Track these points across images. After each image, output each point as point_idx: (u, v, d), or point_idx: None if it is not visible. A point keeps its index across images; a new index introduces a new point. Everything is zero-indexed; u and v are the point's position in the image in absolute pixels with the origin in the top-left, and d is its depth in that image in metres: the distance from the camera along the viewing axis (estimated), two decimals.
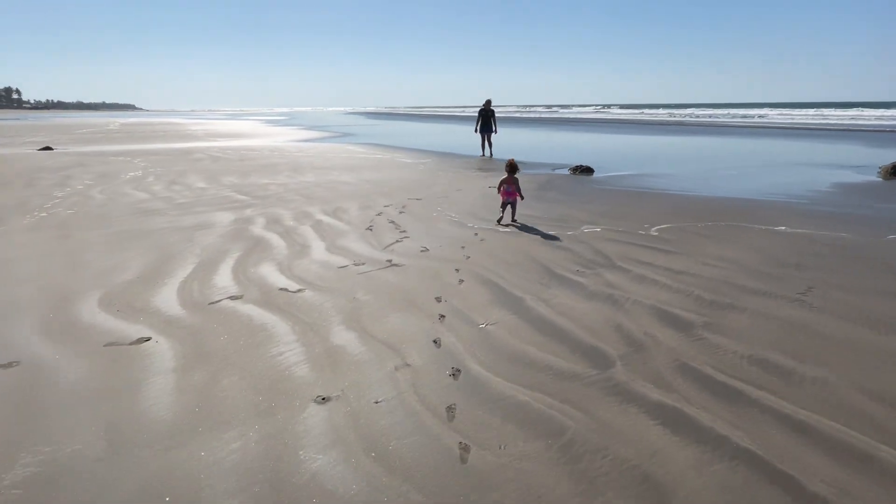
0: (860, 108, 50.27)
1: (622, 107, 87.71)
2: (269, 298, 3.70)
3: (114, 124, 40.45)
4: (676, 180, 9.72)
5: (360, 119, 54.08)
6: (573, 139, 22.39)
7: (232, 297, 3.71)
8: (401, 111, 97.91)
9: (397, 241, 5.29)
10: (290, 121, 49.23)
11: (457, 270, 4.35)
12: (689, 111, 56.10)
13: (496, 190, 6.32)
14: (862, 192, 8.68)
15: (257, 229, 5.79)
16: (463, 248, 5.05)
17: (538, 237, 5.49)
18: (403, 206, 7.15)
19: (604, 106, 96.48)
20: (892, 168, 10.99)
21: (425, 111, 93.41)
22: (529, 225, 6.12)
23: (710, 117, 41.73)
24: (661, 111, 60.94)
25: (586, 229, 5.84)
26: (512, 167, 6.09)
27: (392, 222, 6.17)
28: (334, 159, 13.57)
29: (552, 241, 5.28)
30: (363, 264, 4.51)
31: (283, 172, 10.80)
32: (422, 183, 9.37)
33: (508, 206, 6.14)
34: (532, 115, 51.14)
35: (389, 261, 4.61)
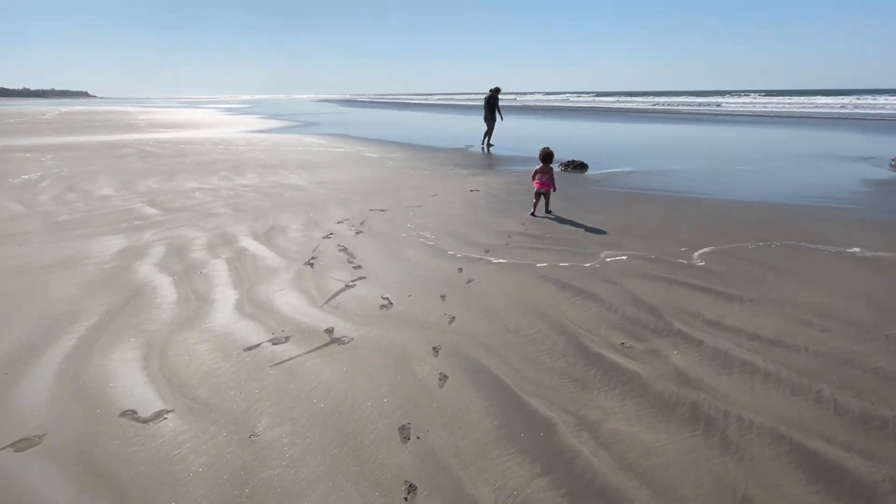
0: (847, 96, 50.61)
1: (600, 94, 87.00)
2: (84, 450, 2.01)
3: (52, 113, 36.64)
4: (686, 179, 8.35)
5: (331, 107, 51.08)
6: (558, 129, 20.93)
7: (15, 447, 1.99)
8: (378, 99, 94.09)
9: (347, 287, 3.63)
10: (251, 109, 46.01)
11: (434, 351, 2.74)
12: (670, 100, 55.52)
13: (531, 178, 5.94)
14: None
15: (146, 268, 4.01)
16: (443, 298, 3.44)
17: (549, 274, 3.92)
18: (362, 222, 5.47)
19: (578, 94, 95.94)
20: None
21: (404, 99, 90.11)
22: (536, 247, 4.56)
23: (699, 105, 41.07)
24: (640, 99, 60.30)
25: (608, 257, 4.31)
26: (546, 156, 5.78)
27: (344, 250, 4.49)
28: (287, 154, 11.66)
29: (570, 282, 3.73)
30: (286, 341, 2.84)
31: (220, 173, 8.88)
32: (389, 185, 7.67)
33: (542, 197, 5.84)
34: (515, 104, 49.47)
35: (330, 331, 2.95)
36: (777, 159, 10.73)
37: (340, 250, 4.50)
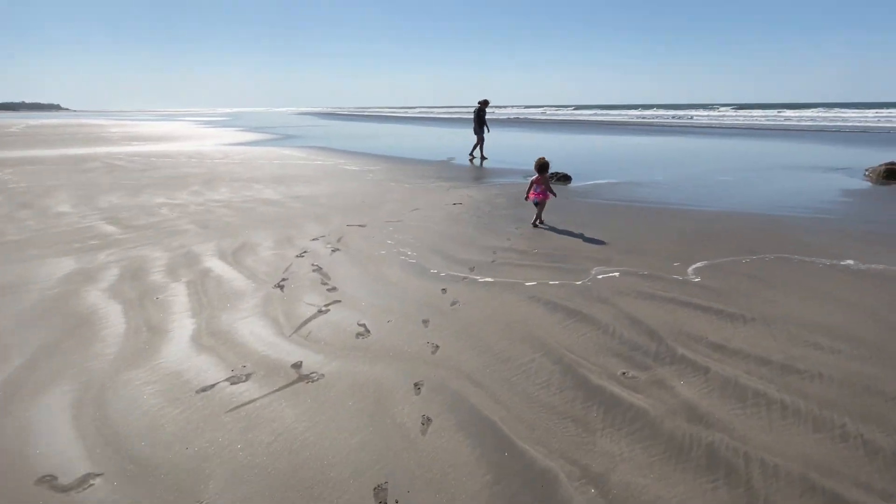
0: (811, 109, 52.32)
1: (578, 107, 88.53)
2: None
3: (18, 126, 35.32)
4: (669, 190, 8.26)
5: (312, 120, 50.63)
6: (539, 140, 20.97)
7: None
8: (360, 112, 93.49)
9: (320, 313, 3.30)
10: (231, 122, 45.23)
11: (416, 388, 2.43)
12: (645, 112, 56.63)
13: (527, 189, 5.93)
14: (880, 199, 7.54)
15: (94, 294, 3.61)
16: (426, 323, 3.14)
17: (539, 293, 3.66)
18: (339, 239, 5.14)
19: (556, 107, 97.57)
20: (884, 171, 10.15)
21: (386, 112, 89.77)
22: (523, 264, 4.31)
23: (672, 118, 41.94)
24: (615, 112, 61.47)
25: (599, 274, 4.08)
26: (542, 166, 5.77)
27: (318, 270, 4.16)
28: (264, 167, 11.26)
29: (562, 303, 3.47)
30: (247, 379, 2.49)
31: (191, 187, 8.45)
32: (368, 199, 7.37)
33: (539, 206, 5.82)
34: (492, 117, 49.91)
35: (298, 366, 2.62)
36: (754, 170, 10.81)
37: (314, 270, 4.16)
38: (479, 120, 12.84)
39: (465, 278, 3.98)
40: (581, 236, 5.30)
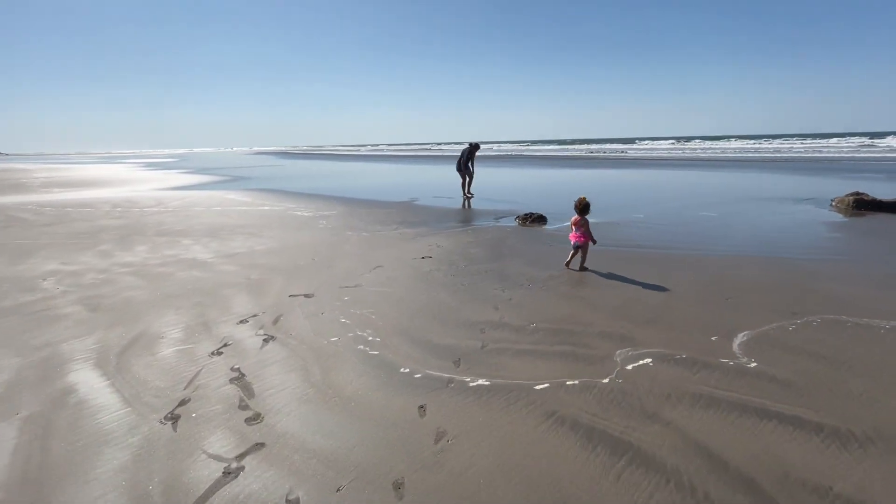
0: (756, 140, 55.51)
1: (530, 143, 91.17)
2: None
3: None
4: (656, 231, 7.55)
5: (266, 159, 48.72)
6: (495, 177, 20.49)
7: None
8: (317, 151, 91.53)
9: (227, 477, 2.05)
10: (177, 164, 42.74)
11: None
12: (579, 147, 58.51)
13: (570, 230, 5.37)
14: (871, 234, 7.10)
15: None
16: (399, 489, 1.96)
17: (558, 406, 2.56)
18: (277, 320, 3.89)
19: (499, 143, 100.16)
20: (853, 202, 10.03)
21: (344, 150, 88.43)
22: (523, 349, 3.22)
23: (622, 152, 43.33)
24: (562, 147, 63.40)
25: (627, 362, 3.06)
26: (584, 207, 5.28)
27: (238, 380, 2.90)
28: (200, 216, 9.82)
29: (597, 425, 2.39)
30: None
31: (100, 246, 6.93)
32: (320, 255, 6.16)
33: (578, 251, 5.33)
34: (451, 154, 49.93)
35: None
36: (727, 203, 10.44)
37: (233, 380, 2.90)
38: (468, 160, 12.16)
39: (449, 382, 2.84)
40: (581, 298, 4.32)
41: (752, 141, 55.36)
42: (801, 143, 45.76)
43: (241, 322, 3.86)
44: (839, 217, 8.84)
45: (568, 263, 5.40)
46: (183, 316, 4.02)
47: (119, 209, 11.17)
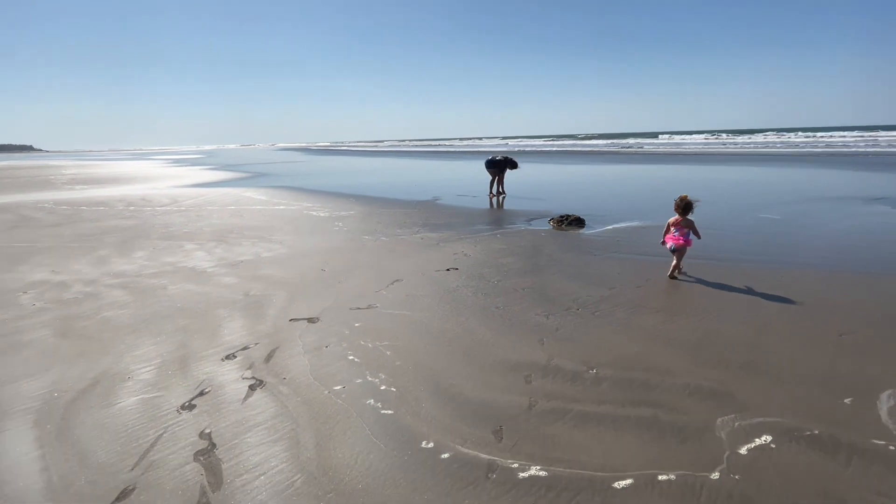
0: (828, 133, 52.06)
1: (556, 137, 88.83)
2: None
3: None
4: (716, 238, 6.49)
5: (293, 155, 48.68)
6: (529, 175, 19.48)
7: None
8: (349, 146, 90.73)
9: None
10: (203, 160, 43.06)
11: None
12: (590, 142, 56.33)
13: (663, 234, 4.87)
14: None
15: None
16: None
17: None
18: (271, 355, 3.16)
19: (525, 138, 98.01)
20: None
21: (371, 147, 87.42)
22: (585, 409, 2.39)
23: (620, 147, 41.41)
24: (590, 143, 61.36)
25: (740, 442, 2.19)
26: (685, 206, 4.70)
27: (208, 449, 2.17)
28: (211, 216, 9.27)
29: None
30: None
31: (98, 251, 6.39)
32: (331, 265, 5.43)
33: (674, 254, 4.77)
34: (477, 149, 48.84)
35: None
36: (788, 203, 9.26)
37: (199, 455, 2.17)
38: (502, 168, 11.43)
39: (490, 469, 2.04)
40: (646, 331, 3.44)
41: (789, 134, 52.29)
42: (843, 136, 42.89)
43: (228, 357, 3.14)
44: None
45: (672, 273, 4.74)
46: (161, 346, 3.33)
47: (132, 208, 10.75)
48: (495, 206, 10.27)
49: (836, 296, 4.08)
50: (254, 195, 12.99)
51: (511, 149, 43.56)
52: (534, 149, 43.71)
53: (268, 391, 2.71)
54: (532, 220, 8.27)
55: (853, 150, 26.87)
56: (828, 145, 32.03)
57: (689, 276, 4.76)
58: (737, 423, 2.32)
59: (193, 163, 36.50)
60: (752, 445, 2.16)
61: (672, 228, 4.72)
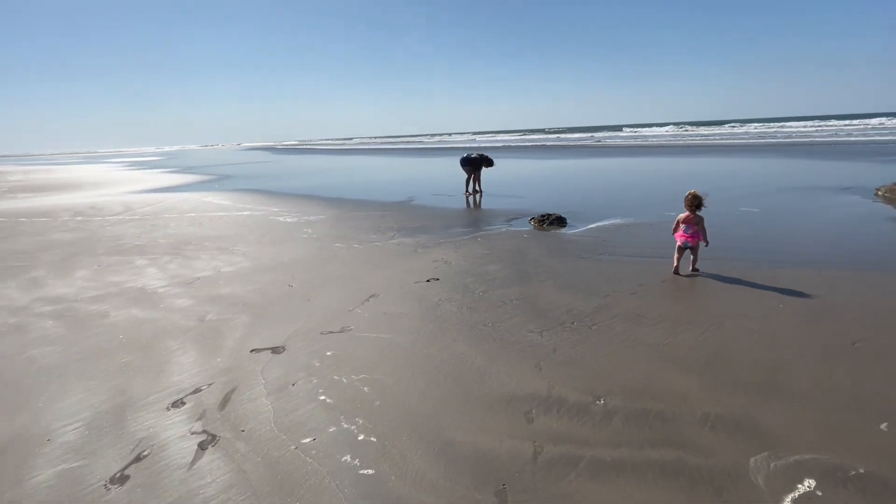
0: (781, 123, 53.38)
1: (517, 133, 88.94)
2: None
3: None
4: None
5: (261, 155, 46.84)
6: (501, 170, 19.20)
7: None
8: (316, 145, 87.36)
9: None
10: (164, 162, 41.00)
11: None
12: (544, 136, 56.62)
13: (672, 231, 4.76)
14: None
15: None
16: None
17: None
18: (226, 396, 2.69)
19: (495, 133, 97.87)
20: None
21: (340, 144, 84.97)
22: (600, 457, 2.04)
23: (578, 140, 41.98)
24: (539, 136, 61.83)
25: (782, 489, 1.88)
26: (696, 202, 4.54)
27: None
28: (168, 226, 8.55)
29: None
30: None
31: (33, 271, 5.68)
32: (299, 278, 4.95)
33: (686, 251, 4.66)
34: (448, 146, 48.30)
35: None
36: (762, 195, 9.27)
37: None
38: (477, 166, 11.15)
39: None
40: (651, 347, 3.13)
41: (748, 125, 54.08)
42: (804, 126, 44.62)
43: (175, 405, 2.65)
44: (889, 209, 7.71)
45: (676, 269, 4.68)
46: (94, 394, 2.81)
47: (79, 218, 9.87)
48: (472, 205, 9.92)
49: (839, 297, 3.90)
50: (216, 200, 12.21)
51: (479, 145, 43.32)
52: (504, 144, 43.59)
53: (221, 450, 2.25)
54: (512, 220, 7.94)
55: (812, 139, 27.82)
56: (786, 135, 33.14)
57: (683, 276, 4.52)
58: (772, 465, 2.02)
59: (153, 165, 34.70)
60: (797, 495, 1.86)
61: (683, 226, 4.60)
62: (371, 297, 4.34)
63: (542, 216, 7.61)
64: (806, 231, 6.36)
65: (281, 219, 8.92)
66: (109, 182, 20.21)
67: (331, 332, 3.55)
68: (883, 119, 45.99)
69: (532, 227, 7.39)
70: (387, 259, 5.68)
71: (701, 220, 4.58)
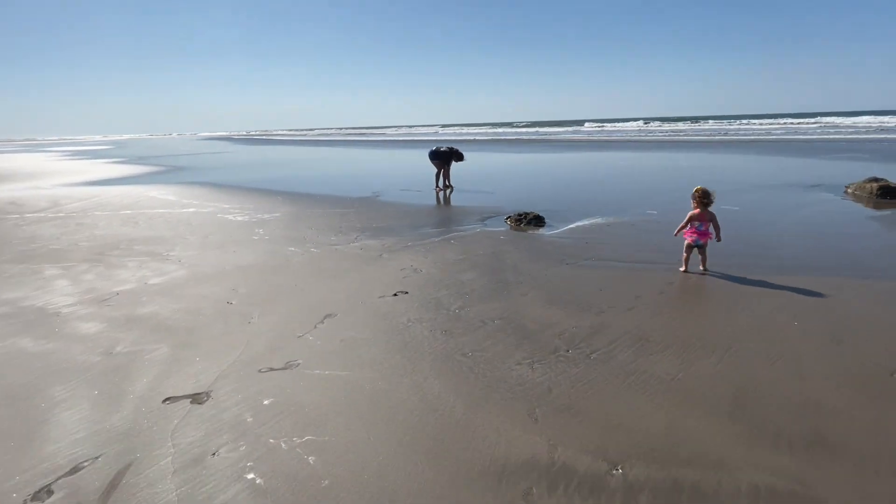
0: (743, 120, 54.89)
1: (483, 125, 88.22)
2: None
3: None
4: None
5: (216, 145, 44.12)
6: (471, 164, 18.60)
7: None
8: (284, 135, 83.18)
9: None
10: (111, 152, 37.92)
11: None
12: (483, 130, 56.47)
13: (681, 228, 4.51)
14: None
15: None
16: None
17: None
18: (119, 473, 1.95)
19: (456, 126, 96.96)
20: (878, 190, 8.87)
21: (301, 135, 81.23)
22: None
23: (525, 134, 42.18)
24: (501, 129, 61.78)
25: None
26: (707, 199, 4.31)
27: None
28: (97, 225, 7.47)
29: None
30: None
31: None
32: (242, 292, 4.17)
33: (693, 250, 4.44)
34: (416, 138, 47.10)
35: None
36: (740, 192, 9.05)
37: None
38: (447, 160, 10.54)
39: None
40: (665, 383, 2.60)
41: (704, 121, 55.68)
42: (761, 124, 46.27)
43: (35, 498, 1.89)
44: (872, 210, 7.61)
45: (686, 269, 4.49)
46: None
47: None
48: (443, 201, 9.28)
49: (852, 311, 3.50)
50: (160, 194, 11.03)
51: (443, 137, 42.54)
52: (471, 137, 42.99)
53: None
54: (486, 218, 7.35)
55: (773, 137, 28.63)
56: (745, 133, 34.10)
57: (710, 272, 4.06)
58: None
59: (98, 155, 32.13)
60: None
61: (696, 223, 4.38)
62: (327, 316, 3.63)
63: (519, 215, 7.05)
64: (792, 232, 6.06)
65: (230, 217, 8.00)
66: (43, 173, 18.32)
67: (272, 370, 2.84)
68: (833, 118, 48.31)
69: (508, 226, 6.82)
70: (348, 266, 4.96)
71: (714, 216, 4.39)
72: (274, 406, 2.47)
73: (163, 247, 5.98)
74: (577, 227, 6.61)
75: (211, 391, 2.62)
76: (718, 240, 4.43)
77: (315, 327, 3.44)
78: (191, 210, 8.78)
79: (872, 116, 47.23)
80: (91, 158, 28.17)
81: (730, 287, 4.10)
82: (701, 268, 4.49)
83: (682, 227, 4.49)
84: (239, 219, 7.80)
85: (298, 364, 2.90)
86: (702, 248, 4.46)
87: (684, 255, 4.50)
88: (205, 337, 3.32)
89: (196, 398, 2.55)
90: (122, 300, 4.09)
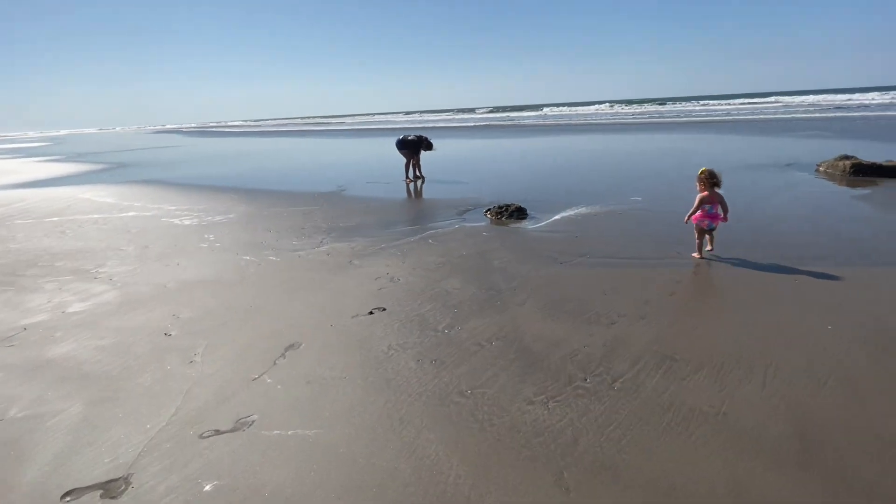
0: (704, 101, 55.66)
1: (447, 112, 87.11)
2: None
3: None
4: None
5: (163, 139, 41.10)
6: (443, 153, 17.93)
7: None
8: (242, 127, 77.94)
9: None
10: (46, 149, 34.75)
11: None
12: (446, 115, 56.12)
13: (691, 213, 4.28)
14: None
15: None
16: None
17: None
18: None
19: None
20: (851, 167, 8.86)
21: (254, 126, 76.93)
22: None
23: (494, 120, 41.87)
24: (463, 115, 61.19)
25: None
26: (714, 180, 4.19)
27: None
28: (16, 236, 6.42)
29: None
30: None
31: None
32: (184, 317, 3.45)
33: (704, 233, 4.31)
34: (380, 126, 45.56)
35: None
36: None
37: None
38: (416, 149, 9.83)
39: None
40: (711, 418, 2.14)
41: (668, 103, 56.76)
42: (728, 104, 47.42)
43: None
44: (847, 187, 7.54)
45: (700, 253, 4.37)
46: None
47: None
48: (414, 194, 8.64)
49: (883, 308, 3.16)
50: (97, 196, 9.85)
51: (410, 125, 41.45)
52: (435, 125, 42.08)
53: None
54: (464, 212, 6.78)
55: (736, 117, 29.20)
56: (709, 113, 34.73)
57: (712, 256, 3.64)
58: None
59: (30, 153, 29.32)
60: None
61: (707, 206, 4.22)
62: (289, 347, 2.99)
63: (500, 208, 6.52)
64: (785, 215, 5.80)
65: (177, 220, 7.10)
66: None
67: (218, 433, 2.20)
68: (787, 97, 49.94)
69: (489, 220, 6.29)
70: (313, 277, 4.29)
71: (722, 197, 4.26)
72: (219, 493, 1.84)
73: (92, 262, 5.10)
74: (562, 218, 6.14)
75: (131, 475, 1.95)
76: (725, 220, 4.30)
77: (274, 364, 2.80)
78: (130, 214, 7.78)
79: (817, 95, 49.16)
80: (21, 157, 25.67)
81: (743, 282, 3.72)
82: (709, 247, 4.43)
83: (694, 212, 4.30)
84: (186, 223, 6.92)
85: (253, 421, 2.27)
86: (711, 231, 4.36)
87: (697, 240, 4.37)
88: (132, 387, 2.61)
89: (109, 489, 1.88)
90: (30, 337, 3.30)
